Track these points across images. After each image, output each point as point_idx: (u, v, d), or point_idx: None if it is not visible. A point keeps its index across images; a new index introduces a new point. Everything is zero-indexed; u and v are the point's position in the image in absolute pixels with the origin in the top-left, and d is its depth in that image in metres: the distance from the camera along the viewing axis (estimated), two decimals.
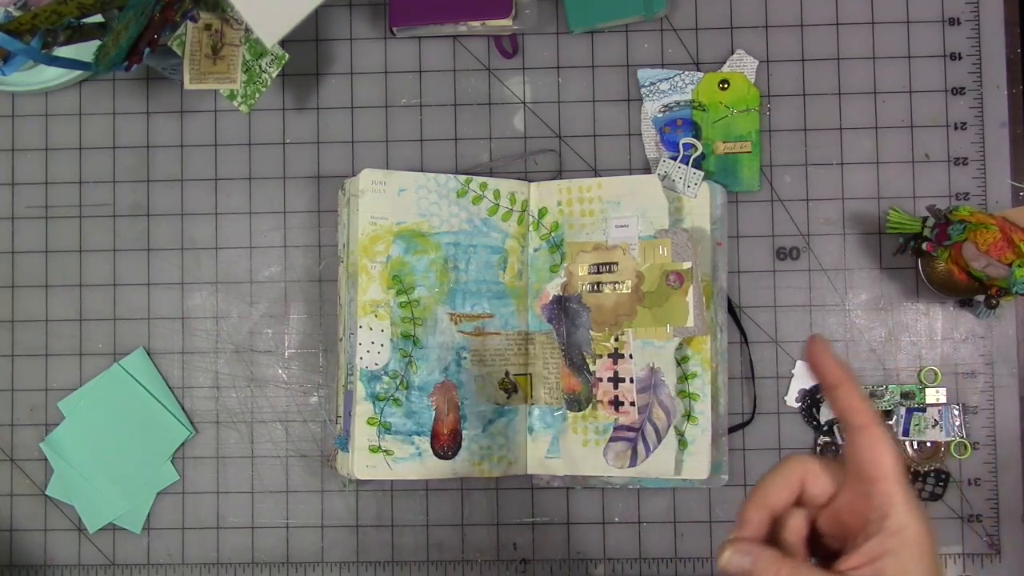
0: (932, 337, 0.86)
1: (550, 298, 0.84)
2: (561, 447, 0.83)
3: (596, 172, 0.88)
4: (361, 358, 0.80)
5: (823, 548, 0.50)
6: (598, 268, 0.82)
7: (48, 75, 0.87)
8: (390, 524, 0.87)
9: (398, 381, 0.81)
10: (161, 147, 0.89)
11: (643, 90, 0.87)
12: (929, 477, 0.84)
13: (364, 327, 0.80)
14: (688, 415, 0.82)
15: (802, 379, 0.86)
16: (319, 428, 0.87)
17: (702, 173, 0.84)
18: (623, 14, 0.86)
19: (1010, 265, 0.75)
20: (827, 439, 0.85)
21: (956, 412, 0.84)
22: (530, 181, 0.86)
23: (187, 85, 0.80)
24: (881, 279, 0.87)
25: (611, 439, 0.82)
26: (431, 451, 0.81)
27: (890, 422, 0.84)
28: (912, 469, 0.84)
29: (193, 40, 0.80)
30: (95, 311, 0.89)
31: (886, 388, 0.85)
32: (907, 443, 0.84)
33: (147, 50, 0.76)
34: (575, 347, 0.83)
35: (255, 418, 0.88)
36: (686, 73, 0.87)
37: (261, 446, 0.88)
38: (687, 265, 0.79)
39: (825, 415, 0.85)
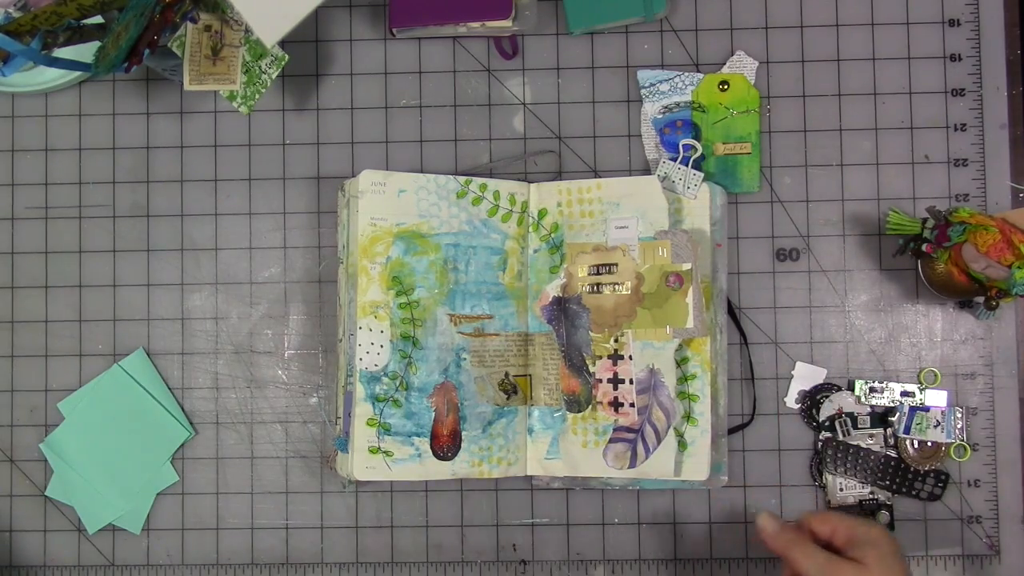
0: (932, 338, 0.86)
1: (550, 299, 0.84)
2: (561, 448, 0.83)
3: (596, 173, 0.88)
4: (361, 359, 0.80)
5: None
6: (598, 269, 0.82)
7: (48, 76, 0.87)
8: (390, 525, 0.87)
9: (398, 382, 0.81)
10: (161, 148, 0.89)
11: (643, 91, 0.87)
12: (928, 477, 0.84)
13: (364, 328, 0.80)
14: (688, 416, 0.82)
15: (802, 380, 0.86)
16: (319, 429, 0.88)
17: (702, 174, 0.84)
18: (623, 15, 0.86)
19: (1010, 267, 0.75)
20: (828, 434, 0.85)
21: (959, 415, 0.84)
22: (530, 182, 0.86)
23: (187, 86, 0.80)
24: (881, 280, 0.87)
25: (611, 440, 0.82)
26: (431, 452, 0.81)
27: (892, 418, 0.84)
28: (912, 468, 0.84)
29: (193, 41, 0.80)
30: (95, 312, 0.89)
31: (886, 385, 0.85)
32: (908, 441, 0.84)
33: (147, 51, 0.76)
34: (575, 348, 0.83)
35: (255, 419, 0.88)
36: (686, 74, 0.87)
37: (261, 447, 0.88)
38: (687, 266, 0.79)
39: (825, 414, 0.85)
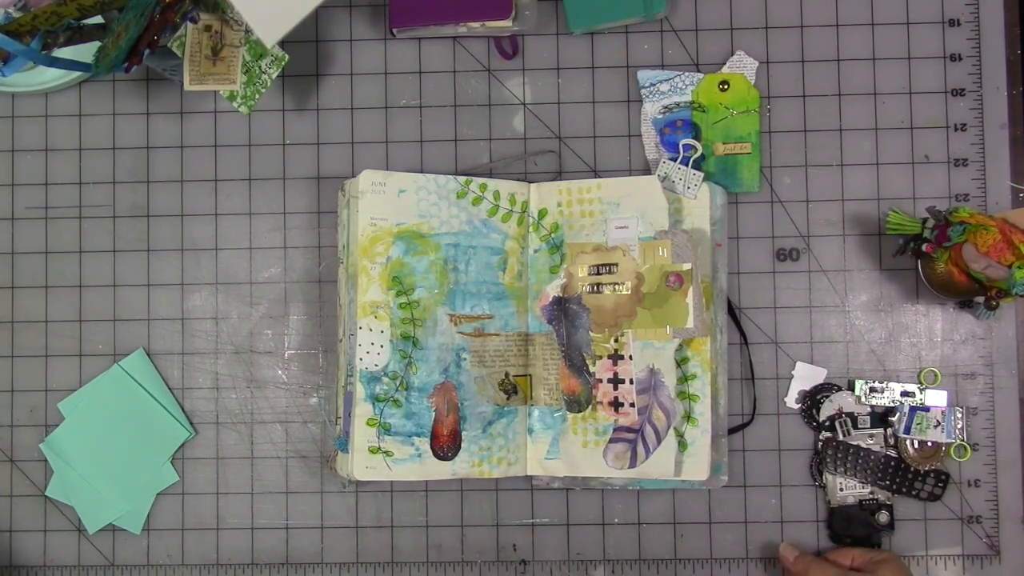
0: (932, 338, 0.86)
1: (550, 299, 0.84)
2: (561, 448, 0.83)
3: (596, 173, 0.88)
4: (361, 359, 0.80)
5: None
6: (598, 269, 0.82)
7: (48, 76, 0.87)
8: (390, 525, 0.87)
9: (398, 382, 0.81)
10: (161, 148, 0.89)
11: (643, 91, 0.87)
12: (928, 477, 0.84)
13: (364, 328, 0.80)
14: (688, 416, 0.82)
15: (802, 380, 0.86)
16: (319, 429, 0.88)
17: (702, 174, 0.84)
18: (623, 15, 0.86)
19: (1010, 267, 0.75)
20: (828, 434, 0.85)
21: (959, 415, 0.84)
22: (530, 182, 0.86)
23: (187, 86, 0.80)
24: (881, 280, 0.87)
25: (611, 440, 0.82)
26: (431, 452, 0.81)
27: (892, 418, 0.84)
28: (912, 468, 0.84)
29: (193, 41, 0.80)
30: (95, 312, 0.89)
31: (886, 385, 0.85)
32: (908, 441, 0.84)
33: (147, 51, 0.76)
34: (575, 348, 0.83)
35: (255, 419, 0.88)
36: (686, 74, 0.87)
37: (261, 447, 0.88)
38: (687, 266, 0.79)
39: (825, 414, 0.85)
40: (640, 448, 0.81)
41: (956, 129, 0.87)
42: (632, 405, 0.81)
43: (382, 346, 0.81)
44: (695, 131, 0.86)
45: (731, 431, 0.85)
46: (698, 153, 0.86)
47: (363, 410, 0.80)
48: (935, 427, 0.84)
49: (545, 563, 0.86)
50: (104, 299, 0.89)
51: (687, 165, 0.85)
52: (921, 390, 0.85)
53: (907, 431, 0.84)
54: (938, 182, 0.87)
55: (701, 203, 0.84)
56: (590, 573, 0.86)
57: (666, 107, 0.87)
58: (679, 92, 0.87)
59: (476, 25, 0.86)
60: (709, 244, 0.83)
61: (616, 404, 0.81)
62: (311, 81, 0.89)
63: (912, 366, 0.86)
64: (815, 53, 0.87)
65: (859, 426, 0.84)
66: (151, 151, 0.89)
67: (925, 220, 0.79)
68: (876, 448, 0.85)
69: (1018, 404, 0.85)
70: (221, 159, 0.89)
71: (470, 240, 0.83)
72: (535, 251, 0.85)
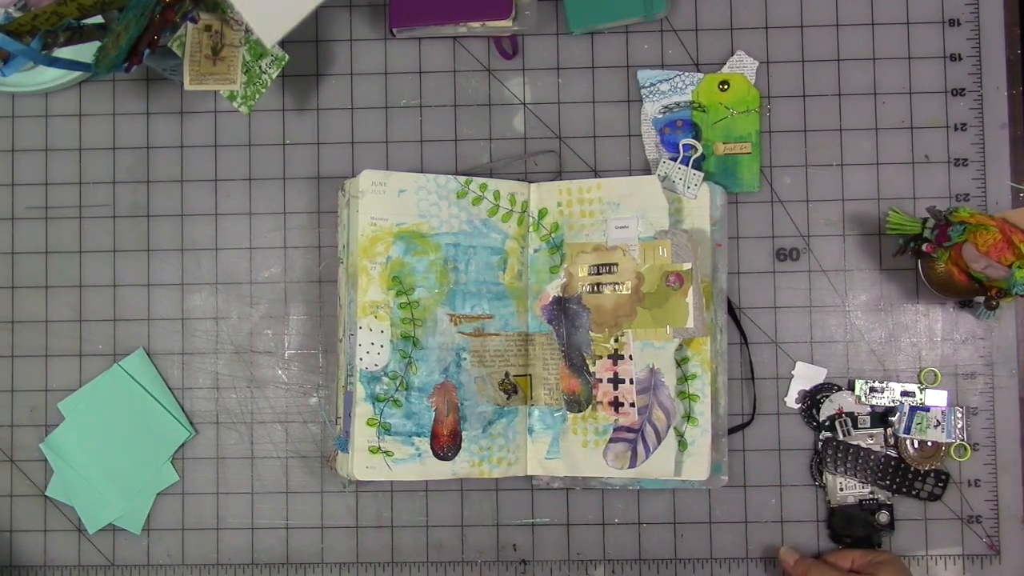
0: (932, 338, 0.86)
1: (550, 299, 0.84)
2: (561, 448, 0.83)
3: (596, 173, 0.88)
4: (361, 359, 0.80)
5: None
6: (598, 269, 0.82)
7: (48, 76, 0.87)
8: (390, 525, 0.87)
9: (398, 382, 0.81)
10: (161, 148, 0.89)
11: (643, 91, 0.87)
12: (928, 477, 0.84)
13: (364, 328, 0.80)
14: (688, 416, 0.82)
15: (802, 380, 0.86)
16: (319, 429, 0.88)
17: (702, 174, 0.84)
18: (623, 15, 0.86)
19: (1010, 266, 0.75)
20: (828, 434, 0.85)
21: (959, 415, 0.84)
22: (530, 182, 0.86)
23: (187, 86, 0.80)
24: (881, 280, 0.87)
25: (611, 440, 0.82)
26: (431, 452, 0.81)
27: (892, 418, 0.84)
28: (912, 468, 0.84)
29: (193, 41, 0.80)
30: (95, 312, 0.89)
31: (886, 385, 0.85)
32: (908, 441, 0.84)
33: (147, 51, 0.76)
34: (575, 348, 0.83)
35: (255, 419, 0.88)
36: (686, 74, 0.87)
37: (261, 447, 0.88)
38: (687, 266, 0.79)
39: (825, 414, 0.85)
40: (640, 448, 0.81)
41: (956, 129, 0.87)
42: (632, 405, 0.81)
43: (382, 346, 0.81)
44: (695, 131, 0.86)
45: (731, 431, 0.85)
46: (698, 153, 0.86)
47: (363, 410, 0.80)
48: (935, 427, 0.84)
49: (545, 563, 0.86)
50: (104, 299, 0.89)
51: (687, 165, 0.85)
52: (921, 390, 0.85)
53: (907, 431, 0.84)
54: (938, 182, 0.87)
55: (701, 203, 0.84)
56: (590, 573, 0.86)
57: (666, 107, 0.87)
58: (679, 92, 0.87)
59: (476, 25, 0.86)
60: (709, 244, 0.83)
61: (616, 404, 0.81)
62: (311, 81, 0.89)
63: (912, 366, 0.86)
64: (815, 53, 0.87)
65: (859, 426, 0.85)
66: (151, 151, 0.89)
67: (925, 220, 0.79)
68: (876, 448, 0.85)
69: (1018, 404, 0.85)
70: (221, 159, 0.89)
71: (470, 240, 0.83)
72: (535, 251, 0.85)
